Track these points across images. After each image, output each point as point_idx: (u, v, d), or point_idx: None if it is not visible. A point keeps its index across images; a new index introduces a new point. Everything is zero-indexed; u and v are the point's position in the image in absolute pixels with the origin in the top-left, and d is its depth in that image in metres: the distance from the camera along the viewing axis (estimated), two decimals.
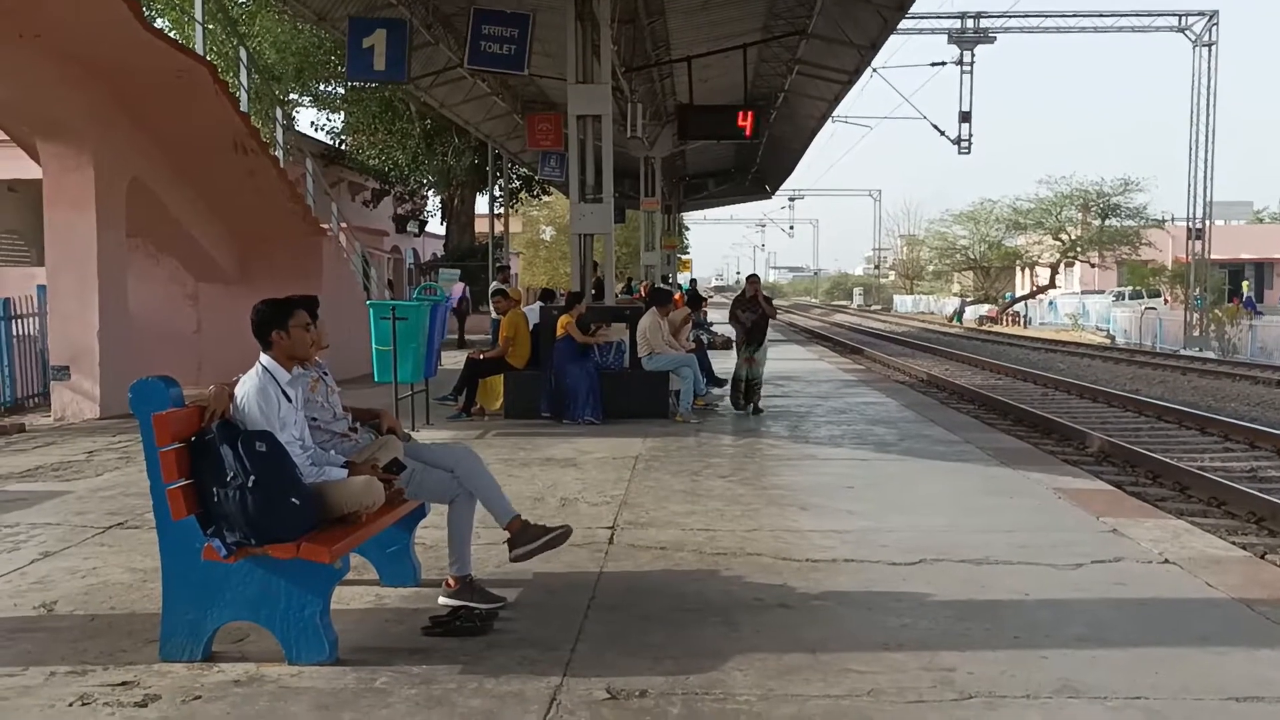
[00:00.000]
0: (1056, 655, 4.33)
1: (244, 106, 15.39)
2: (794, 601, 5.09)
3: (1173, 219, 53.52)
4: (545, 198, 45.33)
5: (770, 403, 13.46)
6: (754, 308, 12.57)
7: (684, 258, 68.04)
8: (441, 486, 4.91)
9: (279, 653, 4.22)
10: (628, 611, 4.93)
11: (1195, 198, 34.85)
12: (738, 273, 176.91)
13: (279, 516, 4.10)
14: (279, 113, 17.78)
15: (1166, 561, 5.78)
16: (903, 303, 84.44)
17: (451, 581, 4.90)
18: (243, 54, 16.26)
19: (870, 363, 25.74)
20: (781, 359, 22.25)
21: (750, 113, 17.36)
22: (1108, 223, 54.61)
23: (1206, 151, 34.12)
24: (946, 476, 8.48)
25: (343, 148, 32.82)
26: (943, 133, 31.86)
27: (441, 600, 4.85)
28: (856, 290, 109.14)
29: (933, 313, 69.92)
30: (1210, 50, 33.65)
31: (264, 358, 4.51)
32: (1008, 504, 7.38)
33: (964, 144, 31.82)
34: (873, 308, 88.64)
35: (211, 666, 4.19)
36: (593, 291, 14.05)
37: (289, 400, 4.49)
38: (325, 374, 5.02)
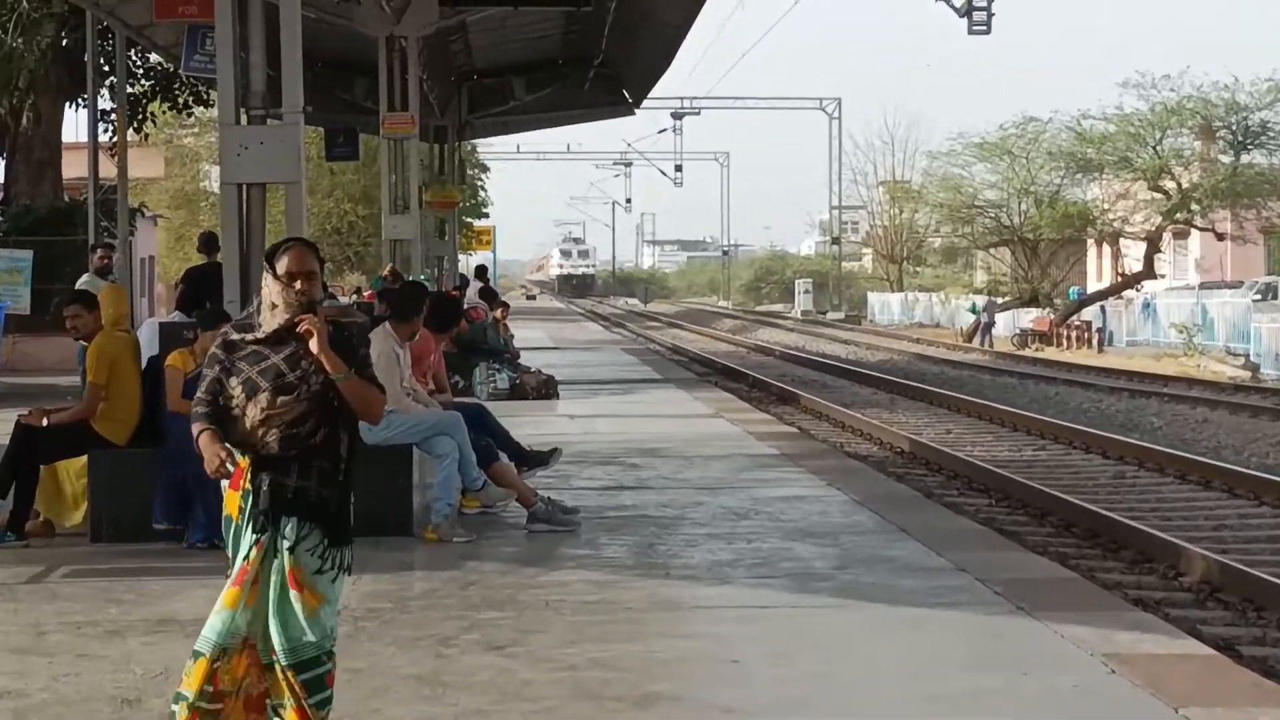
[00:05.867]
0: None
1: None
2: None
3: None
4: (206, 111, 25.14)
5: (613, 500, 9.15)
6: (293, 357, 3.27)
7: (480, 223, 46.11)
8: None
9: None
10: None
11: None
12: (586, 251, 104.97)
13: None
14: None
15: None
16: (885, 306, 54.21)
17: None
18: None
19: (810, 420, 17.01)
20: (644, 415, 13.87)
21: None
22: (1246, 159, 32.73)
23: None
24: (914, 637, 5.11)
25: None
26: None
27: None
28: (801, 283, 65.63)
29: (939, 324, 44.47)
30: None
31: None
32: (1017, 689, 4.24)
33: (978, 16, 20.22)
34: (829, 315, 54.77)
35: None
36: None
37: None
38: None
